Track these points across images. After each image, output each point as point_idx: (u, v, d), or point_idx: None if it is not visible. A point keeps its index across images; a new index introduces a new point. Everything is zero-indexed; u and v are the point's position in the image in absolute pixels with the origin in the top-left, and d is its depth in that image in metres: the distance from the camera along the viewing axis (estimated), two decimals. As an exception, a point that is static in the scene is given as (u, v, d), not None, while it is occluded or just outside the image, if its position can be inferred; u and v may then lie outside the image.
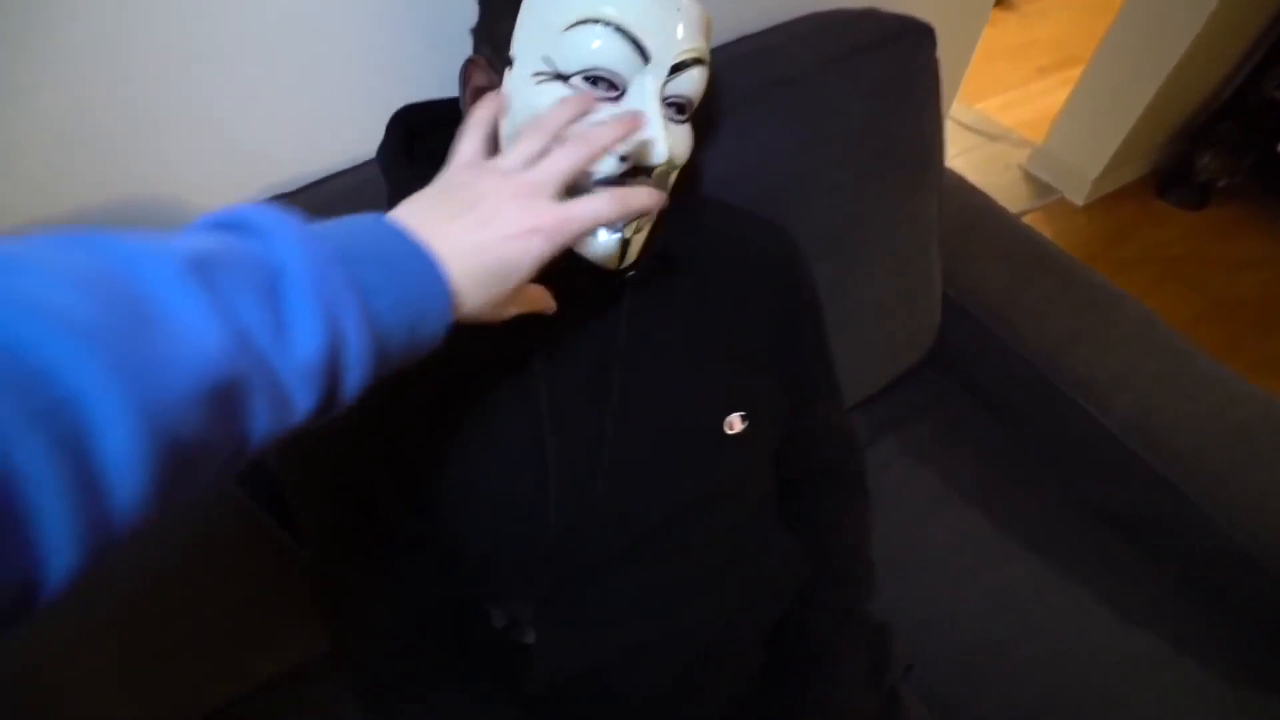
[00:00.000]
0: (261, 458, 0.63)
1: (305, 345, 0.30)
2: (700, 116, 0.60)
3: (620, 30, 0.48)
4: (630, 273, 0.58)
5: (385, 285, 0.33)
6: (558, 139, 0.45)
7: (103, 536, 0.23)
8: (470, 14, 0.57)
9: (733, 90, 0.78)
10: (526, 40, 0.51)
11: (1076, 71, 2.60)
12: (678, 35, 0.50)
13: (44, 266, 0.24)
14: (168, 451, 0.24)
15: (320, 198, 0.68)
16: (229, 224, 0.32)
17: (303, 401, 0.30)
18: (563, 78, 0.50)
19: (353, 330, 0.31)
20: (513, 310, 0.45)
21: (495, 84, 0.53)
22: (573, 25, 0.48)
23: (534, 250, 0.40)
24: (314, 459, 0.58)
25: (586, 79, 0.49)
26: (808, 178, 0.82)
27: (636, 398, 0.60)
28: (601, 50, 0.48)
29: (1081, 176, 2.12)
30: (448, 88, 0.58)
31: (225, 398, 0.27)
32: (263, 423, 0.29)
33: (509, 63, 0.52)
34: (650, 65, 0.50)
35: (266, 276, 0.29)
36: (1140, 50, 1.83)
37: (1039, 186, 2.22)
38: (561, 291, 0.50)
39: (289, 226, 0.32)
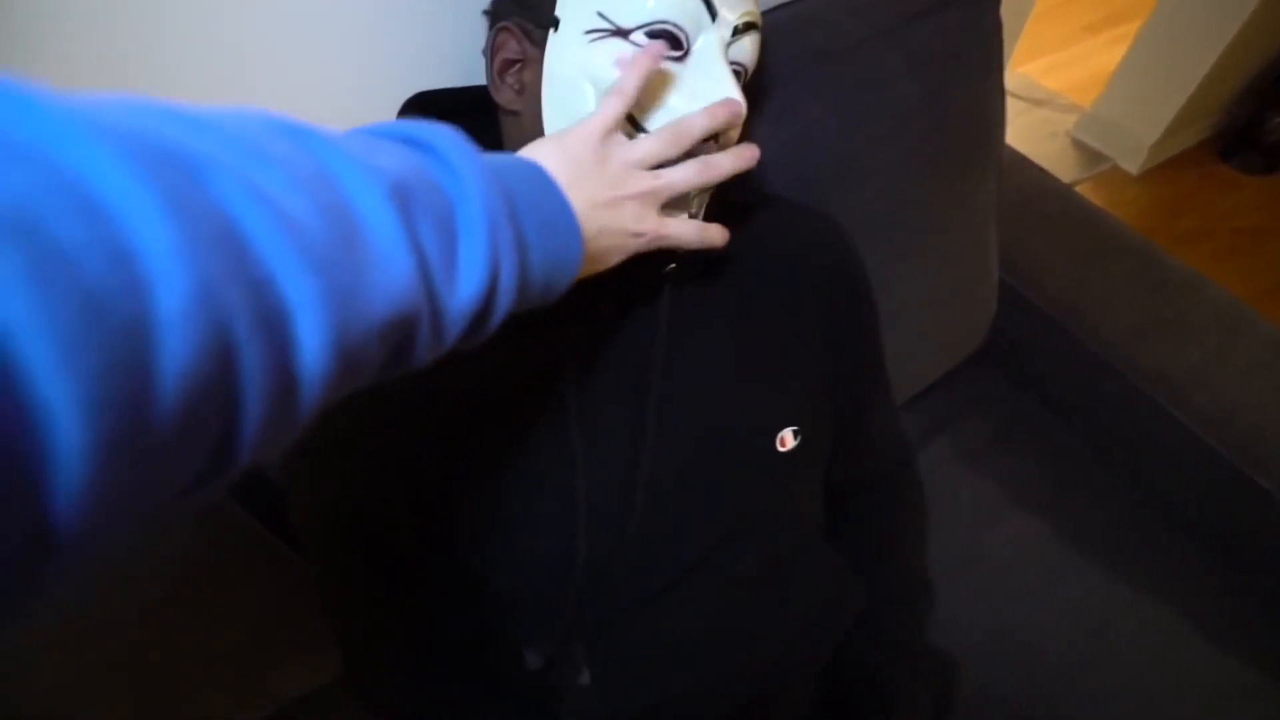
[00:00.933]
0: (261, 471, 0.59)
1: (469, 285, 0.30)
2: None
3: None
4: (671, 265, 0.53)
5: (538, 237, 0.34)
6: (678, 137, 0.44)
7: (276, 443, 0.24)
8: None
9: (772, 65, 0.70)
10: None
11: (1127, 29, 2.45)
12: None
13: (279, 164, 0.24)
14: (346, 370, 0.25)
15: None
16: (413, 139, 0.32)
17: (451, 336, 0.31)
18: (622, 33, 0.46)
19: (508, 276, 0.32)
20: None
21: (529, 54, 0.49)
22: None
23: (628, 250, 0.44)
24: (322, 485, 0.54)
25: (649, 34, 0.46)
26: (854, 161, 0.75)
27: (677, 414, 0.55)
28: (671, 2, 0.45)
29: (1137, 142, 1.99)
30: (463, 75, 0.52)
31: (403, 327, 0.27)
32: (422, 353, 0.30)
33: (553, 24, 0.47)
34: (716, 23, 0.47)
35: (446, 209, 0.30)
36: (1203, 4, 1.70)
37: (1089, 155, 2.09)
38: (593, 290, 0.48)
39: (471, 159, 0.32)
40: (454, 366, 0.51)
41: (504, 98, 0.51)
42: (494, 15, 0.52)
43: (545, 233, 0.35)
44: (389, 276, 0.26)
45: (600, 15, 0.46)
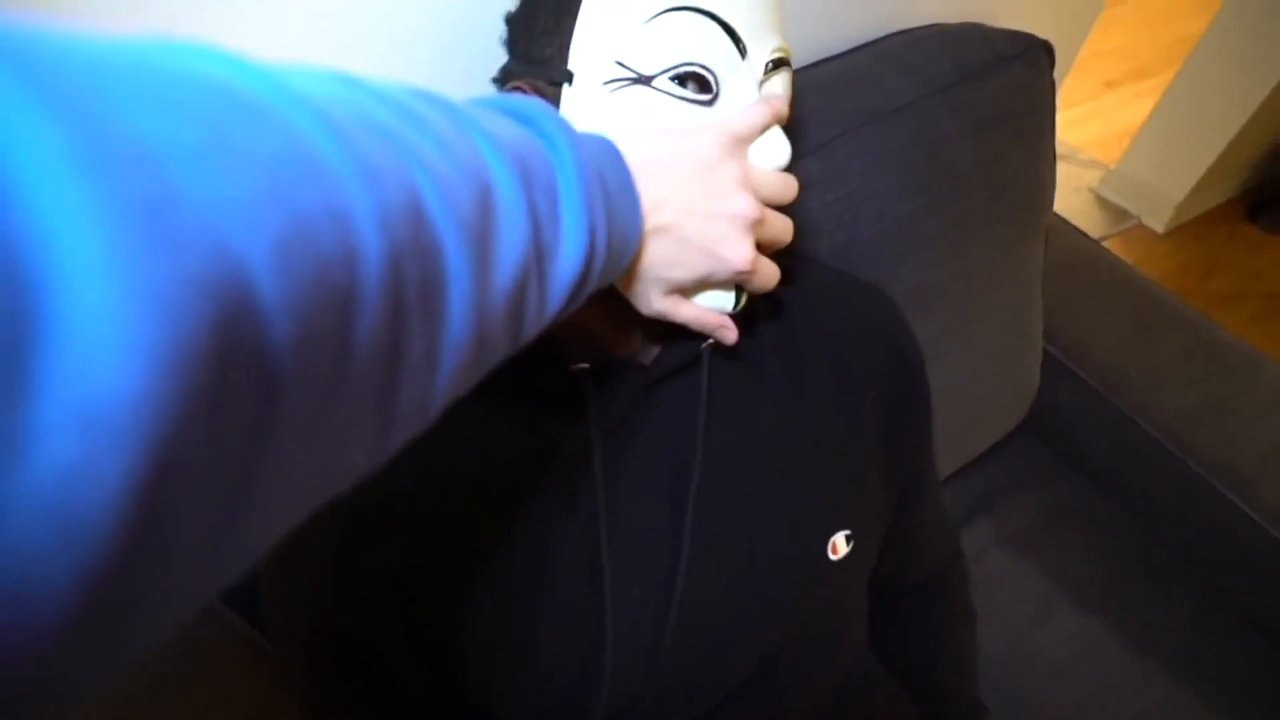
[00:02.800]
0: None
1: (572, 249, 0.30)
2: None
3: (715, 18, 0.41)
4: (708, 340, 0.48)
5: (617, 213, 0.34)
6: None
7: (418, 420, 0.23)
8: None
9: (814, 125, 0.66)
10: (591, 46, 0.42)
11: (1148, 85, 2.45)
12: (768, 26, 0.43)
13: (436, 133, 0.24)
14: (479, 342, 0.25)
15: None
16: (515, 113, 0.32)
17: (554, 306, 0.30)
18: (644, 80, 0.41)
19: (601, 241, 0.32)
20: (661, 306, 0.42)
21: None
22: (658, 15, 0.41)
23: (710, 275, 0.40)
24: (305, 602, 0.48)
25: (675, 79, 0.41)
26: (904, 228, 0.70)
27: (717, 516, 0.49)
28: (696, 41, 0.41)
29: (1164, 200, 1.96)
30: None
31: (521, 293, 0.27)
32: (531, 322, 0.29)
33: (567, 79, 0.43)
34: (747, 60, 0.42)
35: (550, 175, 0.30)
36: (1237, 58, 1.69)
37: (1113, 212, 2.06)
38: (618, 368, 0.47)
39: (565, 127, 0.31)
40: (459, 451, 0.46)
41: None
42: (504, 78, 0.48)
43: (617, 200, 0.34)
44: (514, 243, 0.26)
45: (620, 64, 0.41)
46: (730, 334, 0.45)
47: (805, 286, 0.57)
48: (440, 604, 0.46)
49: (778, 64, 0.44)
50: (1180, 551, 0.86)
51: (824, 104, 0.67)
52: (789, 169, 0.43)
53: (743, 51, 0.42)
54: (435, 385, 0.23)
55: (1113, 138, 2.20)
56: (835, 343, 0.55)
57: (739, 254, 0.39)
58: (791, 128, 0.64)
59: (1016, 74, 0.72)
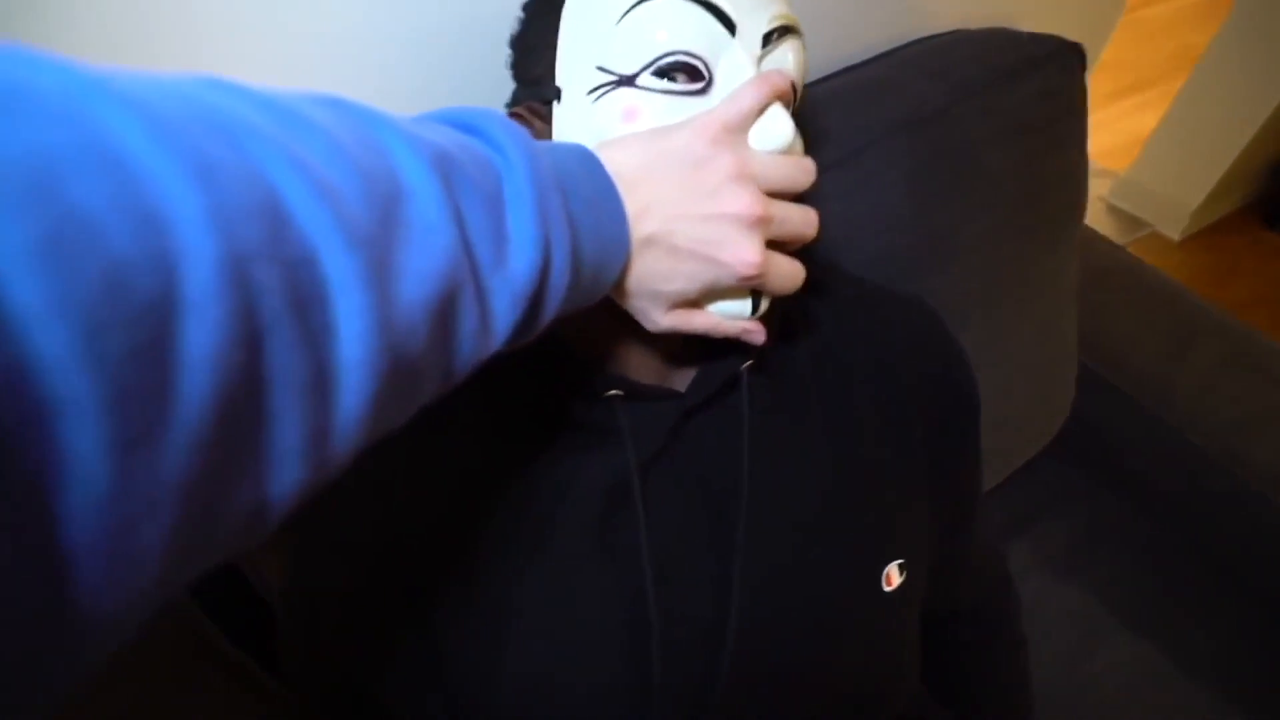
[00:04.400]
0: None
1: (519, 263, 0.28)
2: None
3: None
4: (748, 361, 0.46)
5: (587, 223, 0.32)
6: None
7: (320, 453, 0.21)
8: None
9: (841, 136, 0.64)
10: (572, 56, 0.40)
11: (1152, 94, 2.45)
12: None
13: (321, 132, 0.22)
14: (393, 360, 0.23)
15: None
16: (460, 123, 0.30)
17: (503, 323, 0.29)
18: (627, 80, 0.39)
19: (560, 257, 0.30)
20: (668, 322, 0.39)
21: (542, 133, 0.43)
22: (629, 10, 0.38)
23: (714, 282, 0.36)
24: (319, 644, 0.46)
25: (658, 73, 0.38)
26: (937, 239, 0.68)
27: (768, 551, 0.46)
28: (673, 28, 0.38)
29: (1178, 208, 1.95)
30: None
31: (447, 307, 0.25)
32: (470, 342, 0.27)
33: (555, 95, 0.41)
34: (737, 36, 0.39)
35: (494, 182, 0.28)
36: (1246, 65, 1.68)
37: (1126, 220, 2.05)
38: (652, 394, 0.44)
39: (517, 135, 0.30)
40: (486, 483, 0.44)
41: None
42: (511, 103, 0.46)
43: (591, 209, 0.32)
44: (431, 252, 0.24)
45: (601, 70, 0.39)
46: (758, 335, 0.41)
47: (842, 300, 0.55)
48: (467, 651, 0.43)
49: (780, 33, 0.40)
50: (1232, 572, 0.83)
51: (852, 113, 0.65)
52: (814, 157, 0.39)
53: (731, 28, 0.38)
54: (338, 413, 0.21)
55: (1118, 149, 2.20)
56: (879, 359, 0.53)
57: (742, 256, 0.35)
58: (819, 135, 0.63)
59: (1048, 77, 0.70)
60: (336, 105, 0.25)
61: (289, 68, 0.50)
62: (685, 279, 0.36)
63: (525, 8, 0.45)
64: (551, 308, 0.31)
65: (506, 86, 0.46)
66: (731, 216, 0.34)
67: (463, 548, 0.43)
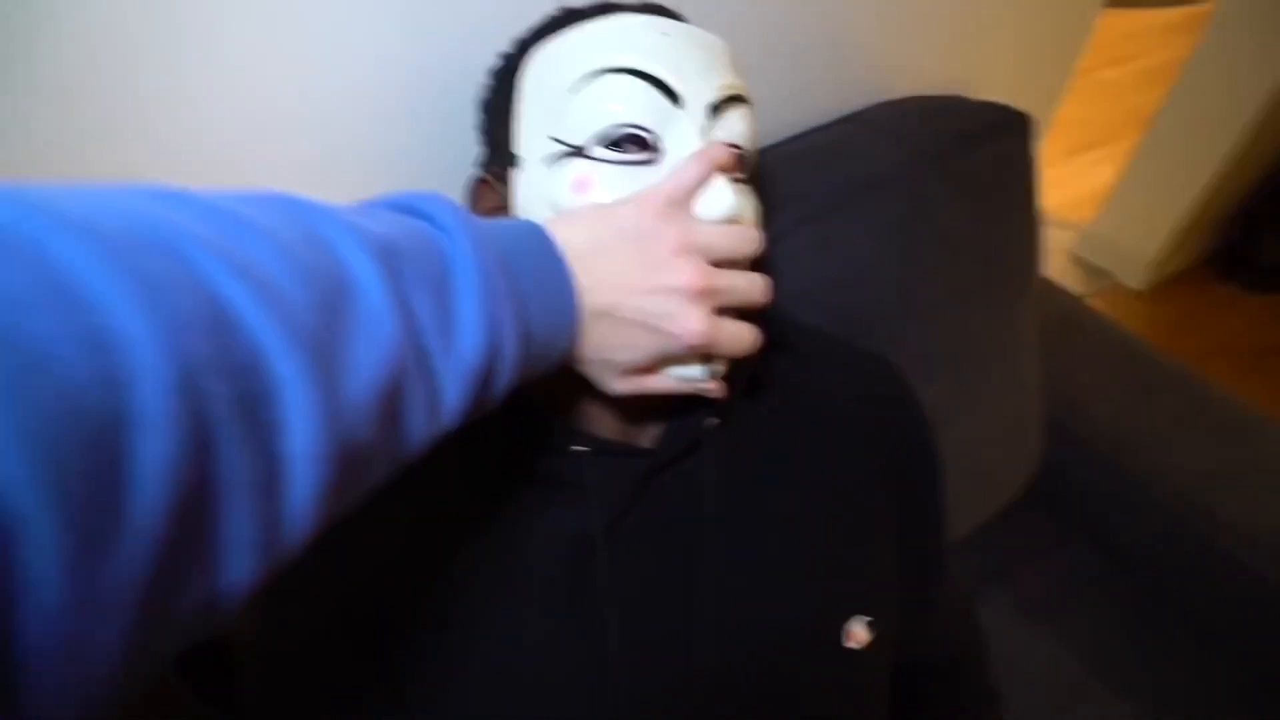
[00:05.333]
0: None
1: (466, 346, 0.29)
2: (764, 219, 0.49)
3: (636, 73, 0.40)
4: (712, 420, 0.47)
5: (536, 299, 0.33)
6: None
7: (272, 544, 0.22)
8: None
9: (805, 194, 0.67)
10: (529, 125, 0.43)
11: (1111, 150, 2.56)
12: (707, 68, 0.41)
13: (263, 232, 0.23)
14: (341, 451, 0.24)
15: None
16: (407, 208, 0.32)
17: (452, 405, 0.29)
18: (578, 151, 0.41)
19: (508, 335, 0.31)
20: (624, 388, 0.40)
21: (505, 199, 0.45)
22: (580, 81, 0.41)
23: (664, 352, 0.38)
24: (279, 690, 0.45)
25: (608, 144, 0.40)
26: (899, 296, 0.71)
27: (730, 608, 0.46)
28: (621, 101, 0.40)
29: (1139, 258, 2.02)
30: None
31: (394, 396, 0.26)
32: (419, 426, 0.28)
33: (512, 161, 0.43)
34: (684, 108, 0.40)
35: (439, 268, 0.29)
36: (1201, 121, 1.77)
37: (1090, 271, 2.12)
38: (614, 451, 0.45)
39: (463, 219, 0.31)
40: (450, 536, 0.44)
41: None
42: (479, 164, 0.49)
43: (538, 285, 0.33)
44: (376, 343, 0.25)
45: (554, 140, 0.41)
46: (716, 393, 0.42)
47: (807, 357, 0.56)
48: (431, 702, 0.43)
49: (727, 102, 0.42)
50: (1206, 626, 0.84)
51: (817, 173, 0.68)
52: (780, 215, 0.42)
53: (676, 99, 0.40)
54: (289, 505, 0.22)
55: (1080, 201, 2.28)
56: (843, 415, 0.54)
57: (687, 327, 0.36)
58: (786, 195, 0.66)
59: (1000, 143, 0.74)
60: (279, 203, 0.26)
61: (266, 131, 0.52)
62: (636, 349, 0.37)
63: (491, 73, 0.47)
64: (502, 384, 0.32)
65: (475, 148, 0.48)
66: (676, 289, 0.36)
67: (427, 599, 0.43)
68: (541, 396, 0.46)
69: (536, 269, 0.34)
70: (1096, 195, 2.12)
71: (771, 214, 0.62)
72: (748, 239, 0.39)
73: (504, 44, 0.47)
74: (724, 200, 0.38)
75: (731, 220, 0.39)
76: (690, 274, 0.36)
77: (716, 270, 0.37)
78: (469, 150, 0.50)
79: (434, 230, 0.30)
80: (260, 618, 0.47)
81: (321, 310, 0.23)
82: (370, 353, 0.25)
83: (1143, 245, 2.01)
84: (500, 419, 0.45)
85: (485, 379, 0.30)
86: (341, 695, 0.44)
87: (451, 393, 0.29)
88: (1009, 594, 0.90)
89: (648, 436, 0.48)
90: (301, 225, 0.25)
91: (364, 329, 0.25)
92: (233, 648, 0.55)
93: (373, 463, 0.26)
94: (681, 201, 0.38)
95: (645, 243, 0.36)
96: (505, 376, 0.32)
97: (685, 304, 0.36)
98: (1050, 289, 1.01)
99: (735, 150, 0.42)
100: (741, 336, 0.39)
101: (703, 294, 0.36)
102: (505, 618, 0.43)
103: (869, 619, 0.50)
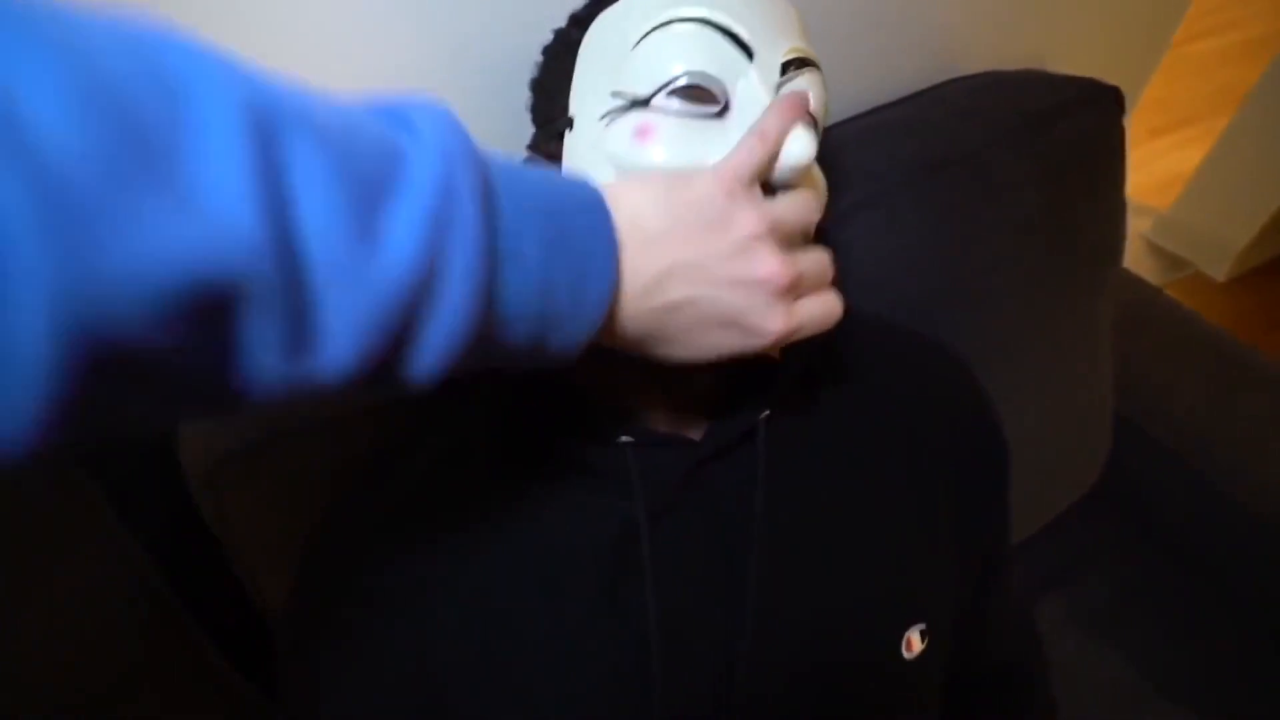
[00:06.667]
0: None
1: (389, 260, 0.24)
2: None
3: (708, 23, 0.39)
4: (765, 413, 0.45)
5: (534, 263, 0.28)
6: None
7: None
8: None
9: (870, 175, 0.64)
10: (587, 85, 0.42)
11: (1193, 131, 2.43)
12: (778, 28, 0.40)
13: (78, 57, 0.19)
14: (89, 355, 0.18)
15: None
16: (387, 110, 0.27)
17: (344, 344, 0.24)
18: (641, 103, 0.39)
19: (459, 282, 0.25)
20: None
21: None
22: (647, 34, 0.39)
23: (748, 347, 0.35)
24: (320, 678, 0.45)
25: (673, 94, 0.39)
26: (967, 282, 0.68)
27: (779, 612, 0.45)
28: (691, 51, 0.39)
29: (1223, 247, 1.92)
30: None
31: (207, 301, 0.20)
32: (263, 357, 0.22)
33: (568, 125, 0.42)
34: (755, 62, 0.39)
35: (378, 171, 0.24)
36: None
37: (1167, 260, 2.02)
38: (665, 442, 0.44)
39: (446, 129, 0.27)
40: (492, 524, 0.44)
41: None
42: (530, 145, 0.48)
43: (553, 252, 0.29)
44: (198, 223, 0.20)
45: (615, 95, 0.40)
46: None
47: (868, 347, 0.54)
48: (467, 699, 0.43)
49: (798, 64, 0.40)
50: (1278, 642, 0.80)
51: (882, 153, 0.65)
52: (842, 197, 0.40)
53: (748, 53, 0.39)
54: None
55: (1164, 185, 2.17)
56: (905, 410, 0.52)
57: (774, 326, 0.34)
58: (848, 174, 0.63)
59: (1084, 121, 0.70)
60: (133, 41, 0.21)
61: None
62: (715, 347, 0.36)
63: (545, 50, 0.46)
64: (435, 348, 0.26)
65: (526, 130, 0.47)
66: (763, 282, 0.34)
67: (470, 586, 0.43)
68: (589, 384, 0.46)
69: (556, 235, 0.30)
70: (1178, 179, 2.01)
71: (836, 194, 0.60)
72: (810, 206, 0.37)
73: (547, 21, 0.46)
74: (805, 146, 0.36)
75: (807, 170, 0.38)
76: (776, 266, 0.34)
77: (796, 257, 0.35)
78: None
79: (405, 136, 0.26)
80: (297, 600, 0.47)
81: (113, 165, 0.19)
82: (178, 234, 0.19)
83: (1228, 233, 1.90)
84: (548, 407, 0.46)
85: (404, 325, 0.25)
86: (373, 685, 0.44)
87: (341, 326, 0.24)
88: (1067, 601, 0.87)
89: (697, 428, 0.47)
90: (143, 62, 0.20)
91: (179, 204, 0.20)
92: (267, 620, 0.57)
93: (160, 373, 0.21)
94: (752, 179, 0.36)
95: (726, 226, 0.34)
96: (441, 337, 0.26)
97: (771, 299, 0.34)
98: (1125, 277, 0.96)
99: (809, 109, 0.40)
100: (825, 312, 0.37)
101: (789, 288, 0.34)
102: (547, 614, 0.43)
103: (923, 626, 0.48)
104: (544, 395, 0.46)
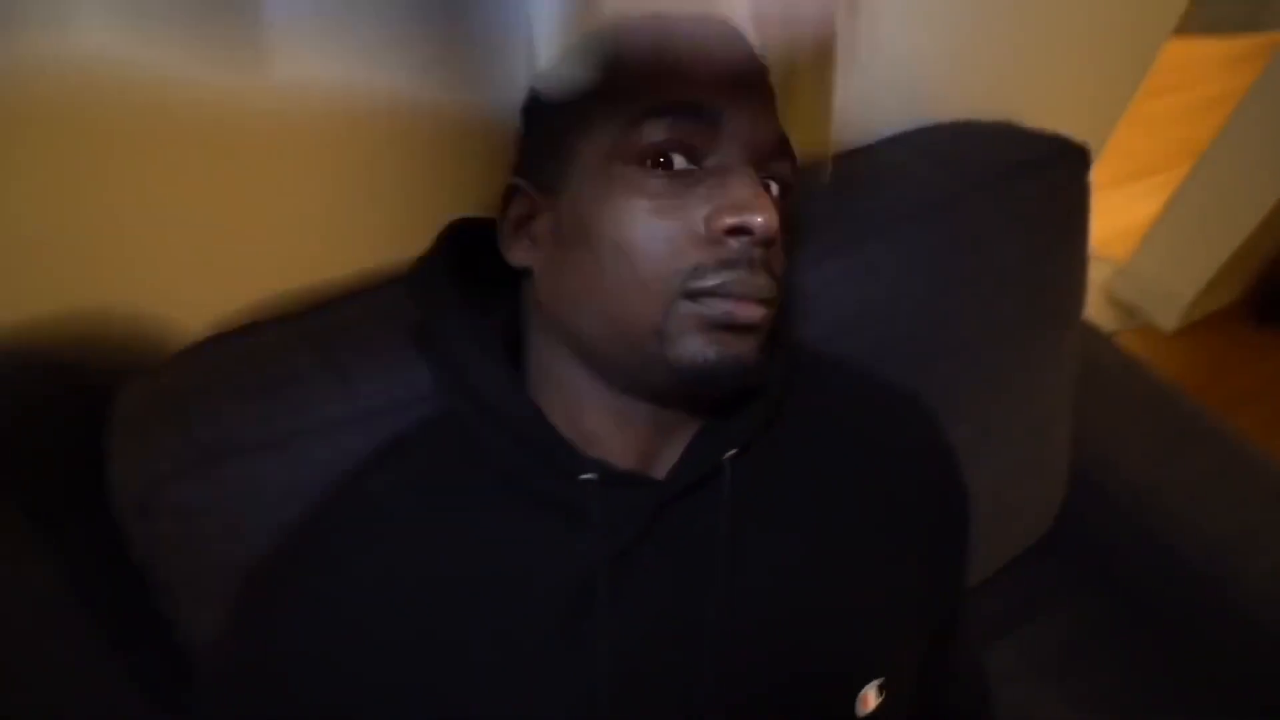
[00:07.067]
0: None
1: None
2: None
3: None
4: (732, 451, 0.45)
5: None
6: None
7: None
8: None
9: (845, 220, 0.65)
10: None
11: (1151, 183, 2.51)
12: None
13: None
14: None
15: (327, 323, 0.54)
16: None
17: None
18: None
19: None
20: None
21: (539, 211, 0.46)
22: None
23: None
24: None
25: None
26: (938, 330, 0.69)
27: (735, 662, 0.44)
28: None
29: (1173, 298, 1.99)
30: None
31: None
32: None
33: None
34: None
35: None
36: (1252, 159, 1.73)
37: (1121, 310, 2.08)
38: (627, 482, 0.44)
39: None
40: (445, 554, 0.43)
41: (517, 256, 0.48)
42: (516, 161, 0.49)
43: None
44: None
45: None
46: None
47: (837, 391, 0.54)
48: None
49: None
50: (1235, 688, 0.81)
51: (857, 197, 0.65)
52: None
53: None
54: None
55: (1118, 235, 2.24)
56: (872, 461, 0.52)
57: None
58: (823, 218, 0.63)
59: (1054, 175, 0.72)
60: None
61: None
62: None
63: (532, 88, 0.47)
64: None
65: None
66: None
67: (420, 614, 0.42)
68: (557, 413, 0.45)
69: None
70: (1136, 230, 2.08)
71: (810, 237, 0.60)
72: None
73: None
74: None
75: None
76: None
77: None
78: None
79: None
80: (245, 630, 0.45)
81: None
82: None
83: (1179, 284, 1.97)
84: (508, 435, 0.45)
85: None
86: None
87: None
88: (1019, 645, 0.87)
89: (662, 466, 0.46)
90: None
91: None
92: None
93: None
94: None
95: None
96: None
97: None
98: (1080, 327, 0.99)
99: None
100: None
101: None
102: (497, 647, 0.42)
103: (881, 680, 0.47)
104: (506, 424, 0.45)
